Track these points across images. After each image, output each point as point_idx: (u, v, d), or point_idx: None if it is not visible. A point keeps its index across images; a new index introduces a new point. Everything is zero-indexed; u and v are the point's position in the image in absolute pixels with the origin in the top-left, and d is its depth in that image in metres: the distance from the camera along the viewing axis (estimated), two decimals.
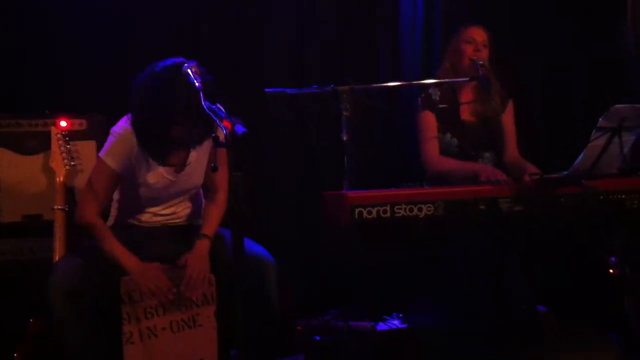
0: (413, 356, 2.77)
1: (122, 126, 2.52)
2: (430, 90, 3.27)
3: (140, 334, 2.51)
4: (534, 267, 2.99)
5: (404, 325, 3.26)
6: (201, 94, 2.17)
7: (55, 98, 3.13)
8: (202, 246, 2.61)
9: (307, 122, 3.55)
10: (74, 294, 2.42)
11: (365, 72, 3.72)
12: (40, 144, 2.96)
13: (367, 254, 3.16)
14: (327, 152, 3.50)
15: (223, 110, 2.17)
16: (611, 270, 3.10)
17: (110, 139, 2.54)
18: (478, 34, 3.21)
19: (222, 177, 2.64)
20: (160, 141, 2.46)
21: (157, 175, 2.58)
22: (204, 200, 2.80)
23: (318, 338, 2.91)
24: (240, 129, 1.88)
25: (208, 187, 2.75)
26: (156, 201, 2.67)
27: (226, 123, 1.93)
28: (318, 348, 2.76)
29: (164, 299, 2.51)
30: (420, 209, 2.64)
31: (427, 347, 2.88)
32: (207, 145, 2.60)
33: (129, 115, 2.51)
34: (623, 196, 2.82)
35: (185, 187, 2.68)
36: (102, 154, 2.55)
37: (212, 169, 2.06)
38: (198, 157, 2.63)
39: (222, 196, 2.72)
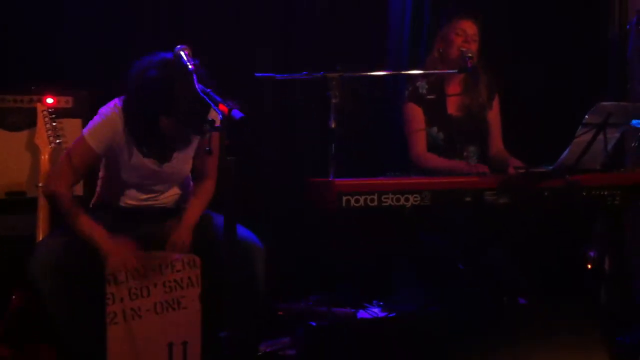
0: (394, 344, 2.80)
1: (111, 108, 2.49)
2: (418, 84, 3.28)
3: (124, 314, 2.51)
4: (516, 258, 3.04)
5: (384, 314, 3.30)
6: (194, 77, 2.16)
7: (42, 75, 3.08)
8: (185, 227, 2.62)
9: (294, 108, 3.55)
10: (60, 268, 2.42)
11: (354, 60, 3.71)
12: (25, 120, 2.91)
13: (351, 241, 3.19)
14: (313, 139, 3.50)
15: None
16: (589, 265, 3.16)
17: (96, 119, 2.52)
18: (469, 27, 3.22)
19: (211, 164, 2.64)
20: (149, 130, 2.43)
21: (139, 163, 2.56)
22: (192, 184, 2.79)
23: (314, 324, 2.92)
24: (237, 113, 1.87)
25: (196, 173, 2.73)
26: (140, 186, 2.65)
27: (222, 107, 1.92)
28: (305, 333, 2.77)
29: (136, 276, 2.50)
30: (407, 199, 2.66)
31: (408, 335, 2.91)
32: (195, 146, 2.60)
33: (121, 98, 2.48)
34: (605, 192, 2.87)
35: (170, 177, 2.67)
36: (85, 132, 2.52)
37: (206, 152, 2.05)
38: (182, 157, 2.62)
39: (209, 185, 2.70)
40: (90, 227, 2.48)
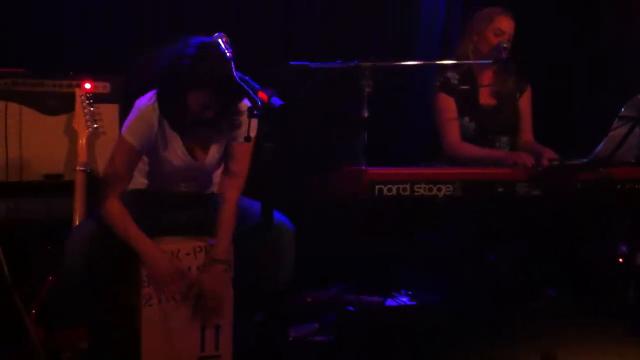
0: (422, 333, 2.82)
1: (146, 102, 2.51)
2: (449, 74, 3.27)
3: (159, 297, 2.54)
4: (545, 251, 3.03)
5: (413, 303, 3.31)
6: (232, 64, 2.18)
7: (81, 60, 3.13)
8: (217, 271, 2.54)
9: (327, 97, 3.56)
10: (96, 251, 2.46)
11: (385, 50, 3.71)
12: (63, 104, 2.95)
13: (383, 230, 3.20)
14: (345, 128, 3.51)
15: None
16: (621, 260, 3.14)
17: (132, 114, 2.53)
18: (507, 25, 3.18)
19: (243, 161, 2.58)
20: (184, 110, 2.41)
21: (174, 154, 2.57)
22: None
23: (352, 309, 2.95)
24: (277, 101, 1.89)
25: (225, 169, 2.66)
26: (175, 178, 2.67)
27: (261, 94, 1.95)
28: (339, 318, 2.80)
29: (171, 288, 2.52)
30: (439, 189, 2.67)
31: (435, 324, 2.93)
32: (224, 138, 2.59)
33: (155, 90, 2.49)
34: (638, 185, 2.84)
35: (208, 170, 2.69)
36: (123, 130, 2.54)
37: (246, 139, 2.07)
38: (218, 150, 2.63)
39: (237, 186, 2.61)
40: (139, 238, 2.49)
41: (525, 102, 3.36)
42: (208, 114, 2.40)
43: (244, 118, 2.28)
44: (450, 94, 3.25)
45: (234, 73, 2.13)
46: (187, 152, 2.59)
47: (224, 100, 2.35)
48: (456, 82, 3.27)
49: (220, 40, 2.30)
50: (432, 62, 3.34)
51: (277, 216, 2.63)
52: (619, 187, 2.79)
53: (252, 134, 2.06)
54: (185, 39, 2.37)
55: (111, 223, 2.50)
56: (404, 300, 3.38)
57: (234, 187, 2.61)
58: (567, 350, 2.37)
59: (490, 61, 3.13)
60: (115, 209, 2.51)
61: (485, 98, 3.31)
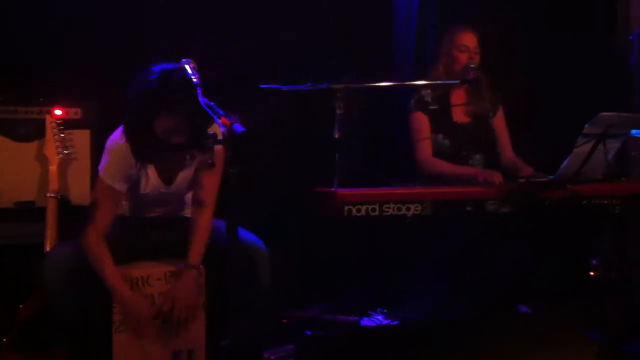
0: (399, 352, 2.83)
1: (116, 141, 2.51)
2: (423, 92, 3.33)
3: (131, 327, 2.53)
4: (518, 266, 3.06)
5: (388, 321, 3.33)
6: (199, 90, 2.20)
7: (51, 86, 3.13)
8: (189, 277, 2.58)
9: (300, 119, 3.58)
10: (72, 274, 2.47)
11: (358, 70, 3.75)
12: (34, 131, 2.95)
13: (355, 250, 3.23)
14: (319, 149, 3.53)
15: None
16: (592, 273, 3.18)
17: (106, 156, 2.54)
18: (469, 40, 3.27)
19: (211, 189, 2.61)
20: (151, 138, 2.42)
21: (150, 183, 2.60)
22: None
23: (309, 333, 2.96)
24: (238, 127, 1.92)
25: (194, 199, 2.69)
26: (150, 204, 2.69)
27: (224, 120, 1.97)
28: (308, 341, 2.80)
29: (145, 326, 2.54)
30: (408, 208, 2.70)
31: (413, 343, 2.94)
32: (194, 163, 2.61)
33: (122, 127, 2.51)
34: (605, 201, 2.89)
35: (177, 197, 2.72)
36: (101, 172, 2.55)
37: (209, 165, 2.09)
38: (185, 176, 2.64)
39: (207, 216, 2.64)
40: (115, 280, 2.51)
41: (499, 121, 3.42)
42: (177, 140, 2.42)
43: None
44: (424, 111, 3.29)
45: (200, 98, 2.14)
46: (160, 178, 2.61)
47: (191, 126, 2.37)
48: (430, 99, 3.32)
49: (187, 66, 2.32)
50: (403, 84, 3.37)
51: (249, 238, 2.66)
52: (585, 203, 2.83)
53: (218, 159, 2.08)
54: (148, 66, 2.39)
55: (89, 256, 2.51)
56: (379, 318, 3.39)
57: (204, 216, 2.64)
58: None
59: (458, 81, 3.18)
60: (93, 244, 2.51)
61: (460, 116, 3.36)
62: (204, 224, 2.63)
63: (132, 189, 2.62)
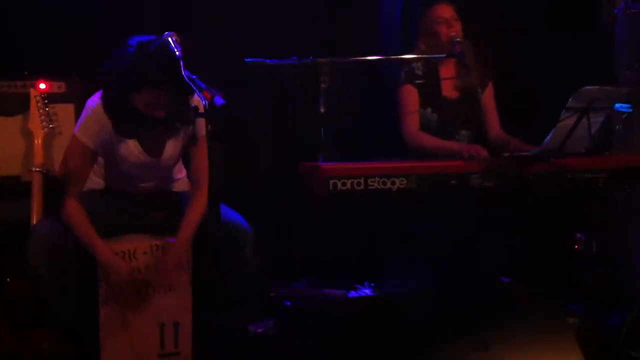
0: (383, 324, 2.85)
1: (97, 101, 2.50)
2: (414, 64, 3.32)
3: (116, 297, 2.55)
4: (502, 240, 3.09)
5: (375, 294, 3.35)
6: (181, 63, 2.19)
7: (35, 60, 3.11)
8: (177, 251, 2.60)
9: (285, 93, 3.57)
10: (55, 251, 2.47)
11: (345, 44, 3.73)
12: (18, 105, 2.95)
13: (340, 224, 3.24)
14: (304, 124, 3.53)
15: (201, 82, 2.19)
16: (576, 246, 3.21)
17: (84, 115, 2.54)
18: (444, 11, 3.27)
19: (203, 169, 2.56)
20: (131, 113, 2.42)
21: (130, 152, 2.58)
22: (184, 171, 2.81)
23: (288, 303, 2.98)
24: (219, 100, 1.91)
25: (190, 179, 2.71)
26: (135, 178, 2.68)
27: (206, 94, 1.97)
28: (288, 314, 2.83)
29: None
30: (393, 182, 2.71)
31: (398, 315, 2.97)
32: (183, 134, 2.60)
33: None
34: (590, 175, 2.90)
35: (167, 169, 2.71)
36: (76, 130, 2.54)
37: (191, 139, 2.09)
38: (175, 146, 2.63)
39: (202, 196, 2.63)
40: (94, 243, 2.52)
41: (488, 97, 3.42)
42: (158, 113, 2.41)
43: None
44: (414, 84, 3.29)
45: (182, 71, 2.14)
46: (144, 149, 2.60)
47: (172, 99, 2.36)
48: (420, 73, 3.31)
49: (169, 39, 2.30)
50: (389, 58, 3.37)
51: (234, 217, 2.67)
52: (569, 177, 2.84)
53: (201, 133, 2.07)
54: (125, 40, 2.38)
55: (70, 225, 2.51)
56: (366, 292, 3.41)
57: (199, 194, 2.64)
58: (502, 338, 2.40)
59: (444, 55, 3.17)
60: (73, 210, 2.51)
61: (449, 91, 3.36)
62: (199, 202, 2.63)
63: (111, 158, 2.60)
